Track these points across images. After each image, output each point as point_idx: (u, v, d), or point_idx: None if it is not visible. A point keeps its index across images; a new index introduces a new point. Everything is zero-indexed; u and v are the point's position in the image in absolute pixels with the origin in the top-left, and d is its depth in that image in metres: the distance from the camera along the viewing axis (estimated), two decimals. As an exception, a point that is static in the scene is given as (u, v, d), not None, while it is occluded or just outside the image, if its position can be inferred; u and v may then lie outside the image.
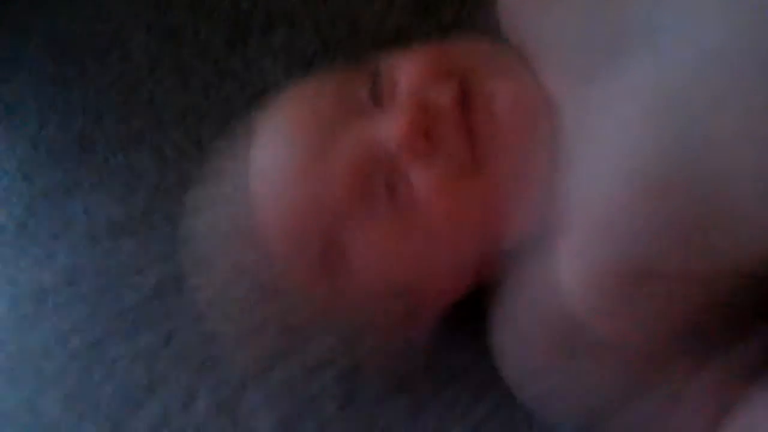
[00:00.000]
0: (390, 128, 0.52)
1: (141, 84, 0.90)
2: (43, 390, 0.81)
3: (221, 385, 0.72)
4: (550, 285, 0.48)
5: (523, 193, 0.51)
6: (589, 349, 0.47)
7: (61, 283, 0.89)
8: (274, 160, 0.56)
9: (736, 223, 0.42)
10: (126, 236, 0.87)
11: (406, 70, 0.54)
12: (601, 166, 0.47)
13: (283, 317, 0.57)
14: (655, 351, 0.46)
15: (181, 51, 0.86)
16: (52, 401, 0.80)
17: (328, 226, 0.53)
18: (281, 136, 0.56)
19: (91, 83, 0.95)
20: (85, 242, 0.89)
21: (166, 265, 0.81)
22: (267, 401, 0.69)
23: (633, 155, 0.45)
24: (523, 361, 0.52)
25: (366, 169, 0.52)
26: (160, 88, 0.88)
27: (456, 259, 0.54)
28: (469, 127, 0.51)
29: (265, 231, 0.55)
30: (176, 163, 0.86)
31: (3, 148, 1.04)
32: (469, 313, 0.58)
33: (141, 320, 0.81)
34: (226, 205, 0.58)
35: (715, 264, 0.42)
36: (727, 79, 0.41)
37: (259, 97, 0.75)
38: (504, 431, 0.60)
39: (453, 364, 0.63)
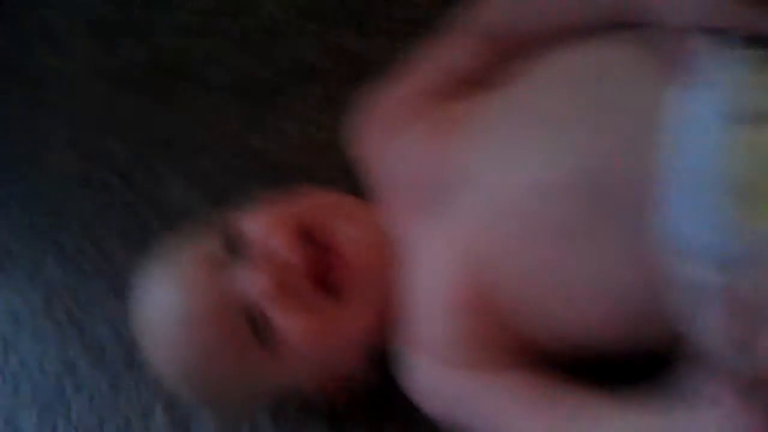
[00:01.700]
0: (247, 282, 0.60)
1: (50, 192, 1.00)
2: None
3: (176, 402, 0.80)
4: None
5: (374, 311, 0.62)
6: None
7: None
8: (157, 314, 0.65)
9: (539, 325, 0.55)
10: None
11: (254, 227, 0.62)
12: (425, 284, 0.59)
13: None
14: None
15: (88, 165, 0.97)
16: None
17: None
18: (163, 300, 0.65)
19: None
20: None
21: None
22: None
23: (443, 277, 0.58)
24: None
25: (232, 318, 0.61)
26: (71, 198, 0.97)
27: (334, 367, 0.65)
28: (320, 273, 0.60)
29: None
30: (74, 261, 0.94)
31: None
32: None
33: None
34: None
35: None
36: (546, 214, 0.53)
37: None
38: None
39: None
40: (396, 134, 0.64)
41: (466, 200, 0.58)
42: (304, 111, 0.83)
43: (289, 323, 0.59)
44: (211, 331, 0.61)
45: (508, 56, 0.62)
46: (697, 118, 0.48)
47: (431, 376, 0.59)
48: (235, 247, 0.62)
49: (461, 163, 0.59)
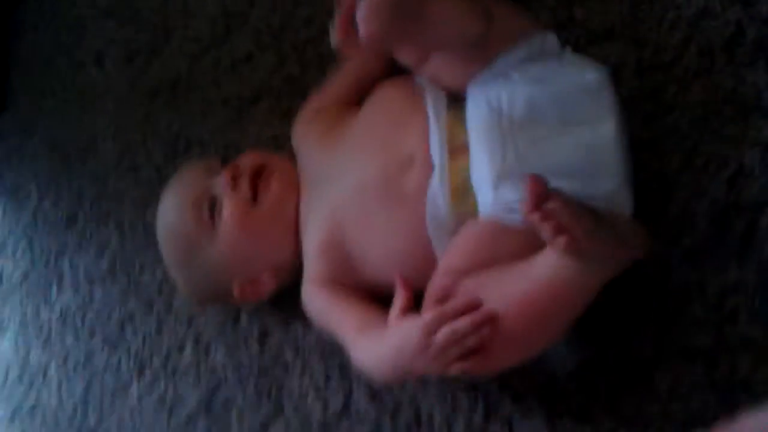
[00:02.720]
0: (219, 179, 0.94)
1: (107, 176, 1.30)
2: None
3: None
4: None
5: (281, 225, 0.94)
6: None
7: (55, 321, 1.30)
8: (164, 202, 1.01)
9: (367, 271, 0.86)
10: (97, 284, 1.26)
11: (240, 157, 0.98)
12: (311, 233, 0.91)
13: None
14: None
15: (134, 157, 1.26)
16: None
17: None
18: (170, 189, 1.01)
19: (73, 173, 1.35)
20: (71, 290, 1.29)
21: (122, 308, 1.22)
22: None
23: (318, 229, 0.89)
24: None
25: (202, 198, 0.94)
26: (121, 180, 1.27)
27: (253, 255, 0.96)
28: (257, 185, 0.94)
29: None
30: (129, 235, 1.25)
31: (11, 217, 1.44)
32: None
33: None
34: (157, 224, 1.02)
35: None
36: (362, 199, 0.84)
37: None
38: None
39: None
40: (307, 131, 0.97)
41: (332, 185, 0.88)
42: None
43: (227, 204, 0.93)
44: (186, 207, 0.96)
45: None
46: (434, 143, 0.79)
47: (308, 291, 0.90)
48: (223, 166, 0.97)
49: (329, 162, 0.90)
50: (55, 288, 1.32)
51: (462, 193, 0.76)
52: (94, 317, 1.25)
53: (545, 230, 0.65)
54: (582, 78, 0.73)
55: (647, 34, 0.82)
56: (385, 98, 0.88)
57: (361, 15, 0.67)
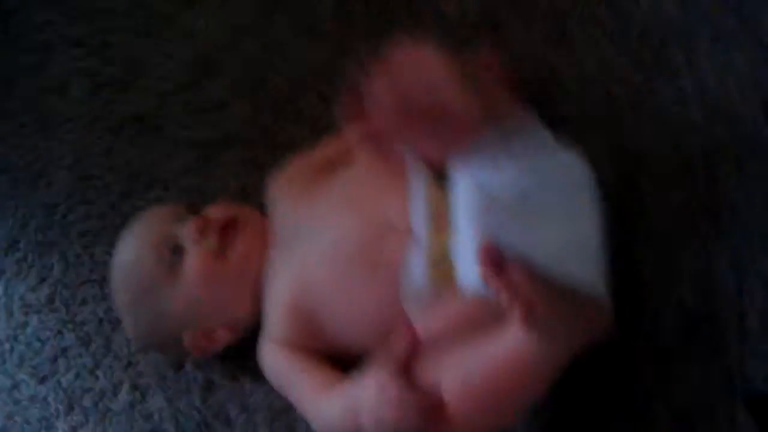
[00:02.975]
0: (184, 227, 0.93)
1: (57, 205, 1.26)
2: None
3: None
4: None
5: (244, 283, 0.94)
6: None
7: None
8: (123, 241, 1.00)
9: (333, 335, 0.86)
10: (32, 313, 1.22)
11: (209, 208, 0.97)
12: (276, 292, 0.91)
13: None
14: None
15: (88, 190, 1.24)
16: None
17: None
18: (131, 230, 1.01)
19: (20, 199, 1.31)
20: (4, 315, 1.24)
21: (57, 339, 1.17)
22: None
23: (284, 288, 0.89)
24: None
25: (164, 243, 0.94)
26: (71, 212, 1.24)
27: (218, 305, 0.95)
28: (226, 238, 0.93)
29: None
30: (74, 266, 1.22)
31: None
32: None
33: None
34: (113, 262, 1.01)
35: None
36: (336, 262, 0.85)
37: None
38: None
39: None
40: (282, 189, 0.98)
41: (303, 244, 0.89)
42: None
43: (193, 253, 0.92)
44: (145, 248, 0.95)
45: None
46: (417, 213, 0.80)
47: (266, 350, 0.90)
48: (191, 213, 0.97)
49: (303, 220, 0.91)
50: (-17, 314, 1.27)
51: (441, 265, 0.78)
52: (25, 347, 1.20)
53: (503, 298, 0.66)
54: (570, 169, 0.76)
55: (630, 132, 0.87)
56: (367, 162, 0.89)
57: (373, 109, 0.69)
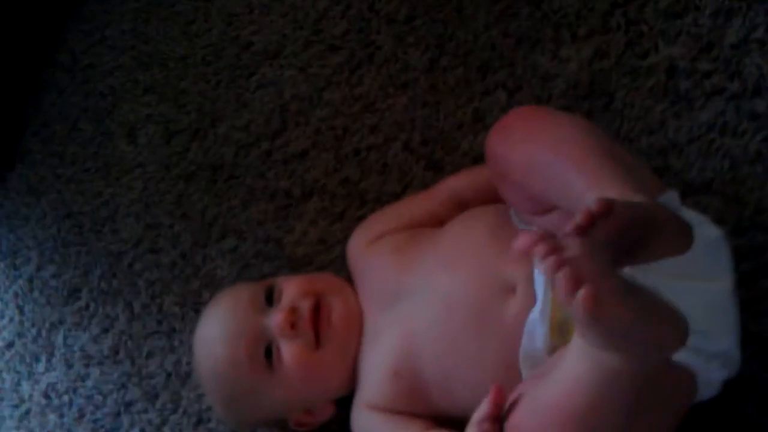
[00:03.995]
0: (272, 319, 0.88)
1: (124, 253, 1.23)
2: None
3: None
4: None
5: (345, 362, 0.89)
6: None
7: (38, 396, 1.20)
8: (208, 333, 0.94)
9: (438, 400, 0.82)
10: (94, 366, 1.17)
11: (287, 287, 0.92)
12: (376, 356, 0.87)
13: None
14: None
15: (158, 239, 1.20)
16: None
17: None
18: (215, 321, 0.94)
19: (84, 245, 1.27)
20: (63, 367, 1.19)
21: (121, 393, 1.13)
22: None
23: (387, 353, 0.85)
24: None
25: (257, 341, 0.88)
26: (138, 261, 1.21)
27: (314, 394, 0.91)
28: (318, 324, 0.88)
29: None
30: (140, 317, 1.17)
31: (2, 282, 1.34)
32: None
33: None
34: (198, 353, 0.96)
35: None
36: (449, 322, 0.80)
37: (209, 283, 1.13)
38: None
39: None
40: (374, 248, 0.93)
41: (406, 307, 0.85)
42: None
43: (289, 350, 0.87)
44: (240, 347, 0.89)
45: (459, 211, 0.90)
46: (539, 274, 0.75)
47: (363, 416, 0.87)
48: (271, 298, 0.91)
49: (405, 280, 0.86)
50: (43, 362, 1.22)
51: (561, 328, 0.73)
52: (85, 401, 1.15)
53: (559, 283, 0.55)
54: (702, 233, 0.72)
55: (748, 194, 0.83)
56: (483, 221, 0.85)
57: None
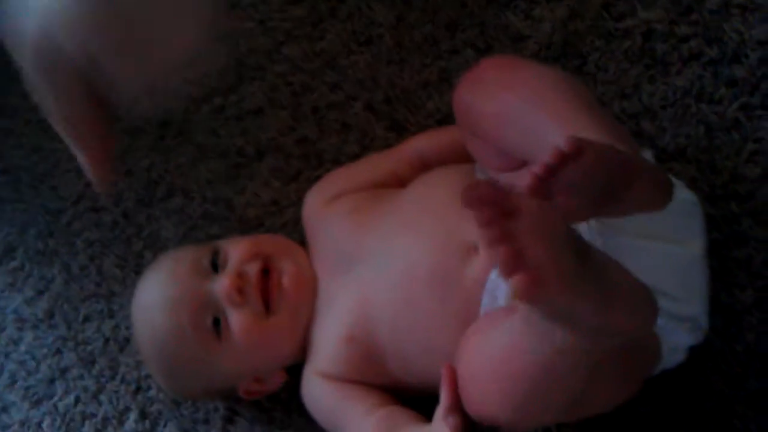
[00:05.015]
0: (219, 285, 0.82)
1: (62, 211, 1.15)
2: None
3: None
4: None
5: (297, 329, 0.84)
6: None
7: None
8: (147, 299, 0.87)
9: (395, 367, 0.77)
10: (27, 330, 1.10)
11: (234, 251, 0.85)
12: (331, 321, 0.81)
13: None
14: None
15: (99, 196, 1.12)
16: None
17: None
18: (154, 286, 0.87)
19: (20, 202, 1.20)
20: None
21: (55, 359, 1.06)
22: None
23: (341, 319, 0.80)
24: None
25: (202, 310, 0.82)
26: (78, 219, 1.14)
27: (264, 363, 0.85)
28: (268, 289, 0.83)
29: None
30: (78, 279, 1.10)
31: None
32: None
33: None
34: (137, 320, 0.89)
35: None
36: (409, 285, 0.75)
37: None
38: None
39: None
40: (332, 208, 0.87)
41: (364, 270, 0.80)
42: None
43: (237, 319, 0.81)
44: (183, 316, 0.83)
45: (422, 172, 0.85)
46: None
47: (314, 383, 0.81)
48: (216, 263, 0.84)
49: (364, 241, 0.81)
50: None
51: None
52: (17, 366, 1.08)
53: (496, 259, 0.48)
54: (677, 195, 0.68)
55: (723, 161, 0.80)
56: (446, 180, 0.80)
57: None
